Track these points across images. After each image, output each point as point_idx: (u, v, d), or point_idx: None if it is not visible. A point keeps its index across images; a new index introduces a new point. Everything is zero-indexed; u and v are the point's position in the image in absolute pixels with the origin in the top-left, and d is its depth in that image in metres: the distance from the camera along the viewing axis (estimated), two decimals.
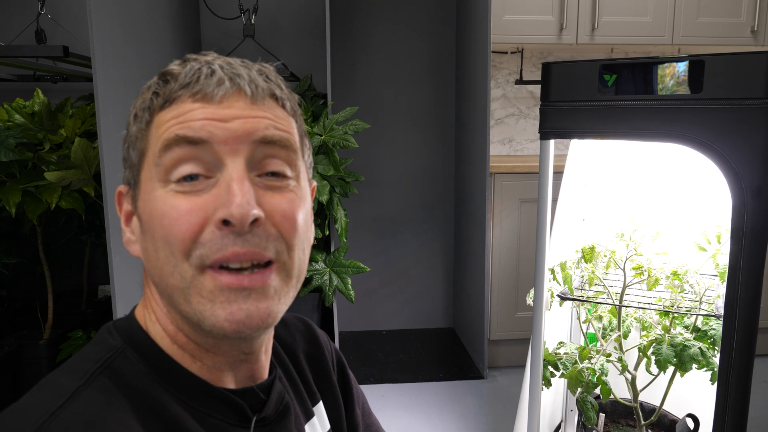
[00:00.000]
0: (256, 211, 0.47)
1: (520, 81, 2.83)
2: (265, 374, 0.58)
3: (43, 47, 1.96)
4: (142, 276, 0.55)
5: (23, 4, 2.27)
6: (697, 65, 0.98)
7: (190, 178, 0.48)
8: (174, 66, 0.52)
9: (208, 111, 0.48)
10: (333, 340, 2.19)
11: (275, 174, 0.50)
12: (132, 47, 1.72)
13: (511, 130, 2.93)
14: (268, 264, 0.49)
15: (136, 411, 0.46)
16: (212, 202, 0.47)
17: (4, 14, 2.33)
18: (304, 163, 0.55)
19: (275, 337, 0.65)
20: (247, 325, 0.47)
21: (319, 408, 0.66)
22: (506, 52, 2.84)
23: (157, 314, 0.52)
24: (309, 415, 0.63)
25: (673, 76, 1.01)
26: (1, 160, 1.58)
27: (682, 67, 1.00)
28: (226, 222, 0.46)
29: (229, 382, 0.54)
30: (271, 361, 0.60)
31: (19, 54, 1.81)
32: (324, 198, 1.93)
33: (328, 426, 0.66)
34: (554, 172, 1.25)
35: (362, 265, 2.05)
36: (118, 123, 1.53)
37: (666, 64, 1.01)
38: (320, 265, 2.05)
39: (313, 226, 0.57)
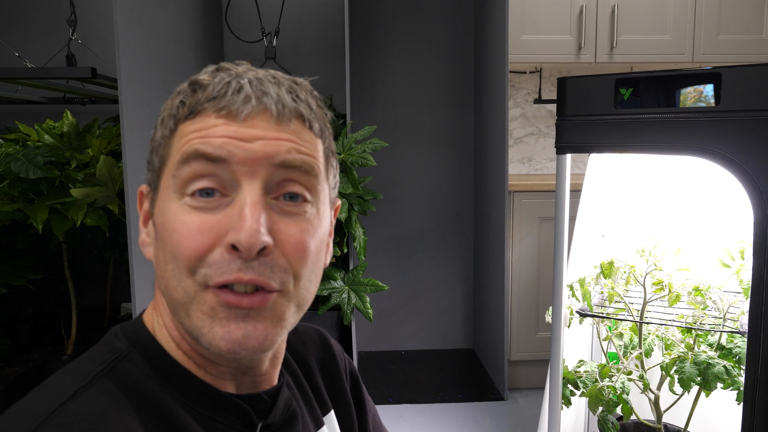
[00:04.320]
0: (265, 239, 0.46)
1: (539, 100, 2.84)
2: (273, 383, 0.57)
3: (72, 69, 2.03)
4: (155, 278, 0.56)
5: (55, 30, 2.37)
6: (715, 78, 0.97)
7: (206, 193, 0.47)
8: (205, 75, 0.51)
9: (231, 129, 0.47)
10: (351, 359, 2.17)
11: (293, 197, 0.49)
12: (157, 69, 1.77)
13: (530, 149, 2.92)
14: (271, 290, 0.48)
15: (138, 413, 0.46)
16: (224, 223, 0.46)
17: (37, 40, 2.43)
18: (328, 184, 0.54)
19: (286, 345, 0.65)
20: (243, 346, 0.47)
21: (330, 417, 0.65)
22: (525, 72, 2.85)
23: (164, 318, 0.53)
24: (318, 424, 0.62)
25: (691, 89, 1.00)
26: (29, 177, 1.64)
27: (699, 79, 0.99)
28: (234, 247, 0.46)
29: (233, 390, 0.53)
30: (280, 369, 0.60)
31: (50, 75, 1.88)
32: (343, 216, 1.95)
33: None
34: (572, 190, 1.24)
35: (381, 284, 2.05)
36: (143, 142, 1.58)
37: (683, 77, 1.01)
38: (339, 283, 2.05)
39: (331, 247, 0.56)
